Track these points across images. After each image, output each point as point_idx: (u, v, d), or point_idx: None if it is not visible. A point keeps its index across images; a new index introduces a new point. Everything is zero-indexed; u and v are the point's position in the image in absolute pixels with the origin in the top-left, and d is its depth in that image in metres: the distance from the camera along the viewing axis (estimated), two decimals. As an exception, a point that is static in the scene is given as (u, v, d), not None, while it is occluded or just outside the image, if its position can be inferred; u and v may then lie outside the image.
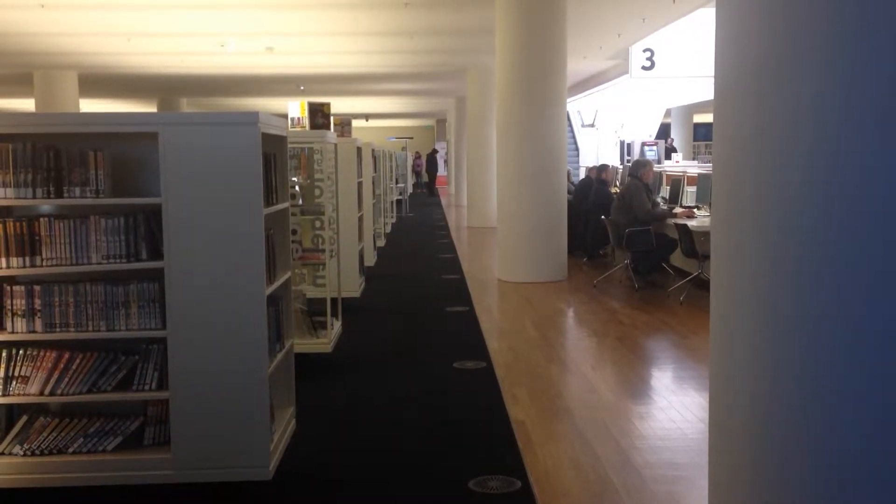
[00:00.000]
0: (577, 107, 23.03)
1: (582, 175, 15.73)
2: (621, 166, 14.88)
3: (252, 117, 3.60)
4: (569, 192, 10.93)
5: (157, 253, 3.63)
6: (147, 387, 3.67)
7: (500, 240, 10.14)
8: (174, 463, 3.64)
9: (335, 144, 6.44)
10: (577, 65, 16.01)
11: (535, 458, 4.18)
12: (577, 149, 24.04)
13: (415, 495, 3.76)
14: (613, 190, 11.73)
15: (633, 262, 9.16)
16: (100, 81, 18.42)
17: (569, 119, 20.21)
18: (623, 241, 8.85)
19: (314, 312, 5.88)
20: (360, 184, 8.23)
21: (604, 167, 12.13)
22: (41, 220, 3.57)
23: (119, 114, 3.55)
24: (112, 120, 3.62)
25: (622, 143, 20.76)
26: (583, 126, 24.01)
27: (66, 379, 3.63)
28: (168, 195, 3.55)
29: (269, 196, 3.88)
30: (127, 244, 3.61)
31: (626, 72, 14.27)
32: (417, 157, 36.51)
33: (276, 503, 3.67)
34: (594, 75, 19.31)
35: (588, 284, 9.47)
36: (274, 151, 4.08)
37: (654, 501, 3.72)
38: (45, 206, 3.69)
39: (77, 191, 3.57)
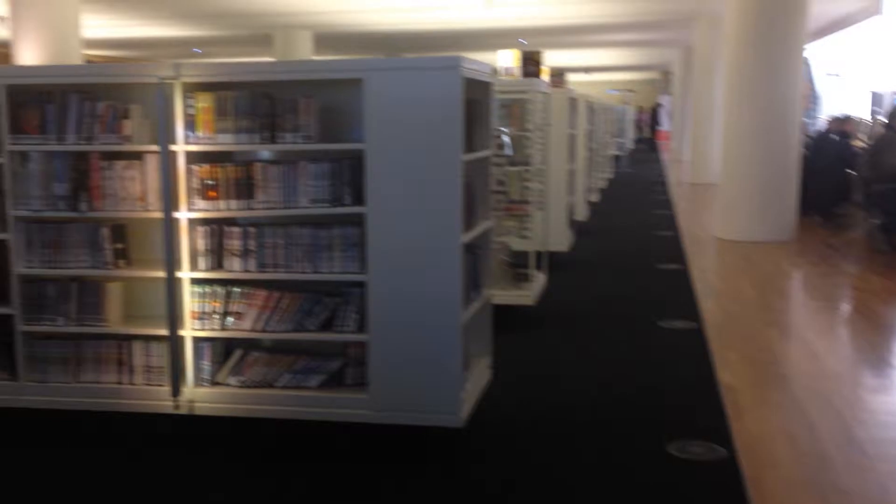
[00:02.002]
0: (818, 53, 21.21)
1: (820, 127, 14.50)
2: (872, 120, 13.53)
3: (454, 61, 3.55)
4: (804, 147, 10.10)
5: (359, 198, 3.71)
6: (348, 329, 3.78)
7: (722, 195, 9.58)
8: (370, 403, 3.73)
9: (546, 94, 6.30)
10: (819, 6, 14.70)
11: (744, 425, 3.91)
12: (817, 99, 22.19)
13: (608, 454, 3.63)
14: (857, 144, 10.70)
15: (884, 222, 8.29)
16: (332, 40, 19.29)
17: (808, 67, 18.67)
18: (871, 199, 8.03)
19: (518, 265, 5.83)
20: (572, 136, 8.03)
21: (846, 118, 11.10)
22: (256, 164, 3.74)
23: (327, 61, 3.63)
24: (320, 67, 3.71)
25: (873, 93, 18.89)
26: (826, 75, 22.10)
27: (276, 317, 3.81)
28: (370, 141, 3.60)
29: (470, 143, 3.83)
30: (332, 189, 3.71)
31: (878, 12, 12.89)
32: (640, 111, 35.37)
33: (464, 450, 3.68)
34: (838, 19, 17.66)
35: (820, 245, 8.74)
36: (478, 98, 4.02)
37: (879, 482, 3.36)
38: (261, 151, 3.87)
39: (289, 137, 3.70)
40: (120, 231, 3.90)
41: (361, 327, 3.77)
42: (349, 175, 3.71)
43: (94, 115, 3.77)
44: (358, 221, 3.70)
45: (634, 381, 4.62)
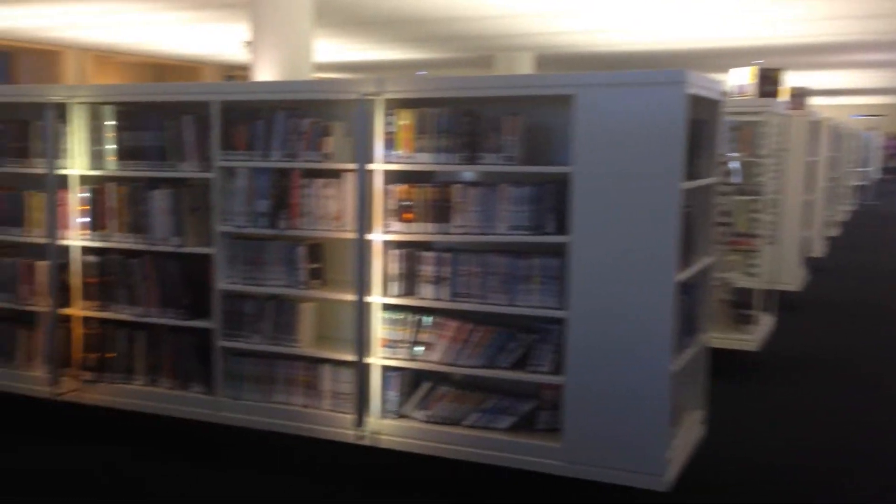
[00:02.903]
0: None
1: None
2: None
3: (678, 76, 3.15)
4: None
5: (562, 227, 3.37)
6: (542, 368, 3.45)
7: None
8: (564, 453, 3.38)
9: (784, 116, 5.66)
10: None
11: None
12: None
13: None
14: None
15: None
16: (554, 61, 19.09)
17: None
18: None
19: (741, 305, 5.23)
20: (812, 164, 7.25)
21: None
22: (454, 186, 3.52)
23: (535, 75, 3.36)
24: (528, 82, 3.43)
25: None
26: None
27: (467, 351, 3.55)
28: (578, 164, 3.26)
29: (692, 169, 3.39)
30: (533, 215, 3.40)
31: None
32: (889, 137, 32.33)
33: (671, 519, 3.23)
34: None
35: None
36: (705, 118, 3.58)
37: None
38: (460, 172, 3.64)
39: (490, 157, 3.44)
40: (316, 250, 3.81)
41: (558, 368, 3.42)
42: (553, 201, 3.39)
43: (298, 132, 3.70)
44: (560, 252, 3.37)
45: (872, 443, 3.93)
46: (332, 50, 16.49)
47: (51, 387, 4.19)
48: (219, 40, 14.77)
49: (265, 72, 10.60)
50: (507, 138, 3.40)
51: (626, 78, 3.25)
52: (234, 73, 18.40)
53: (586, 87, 3.24)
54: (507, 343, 3.52)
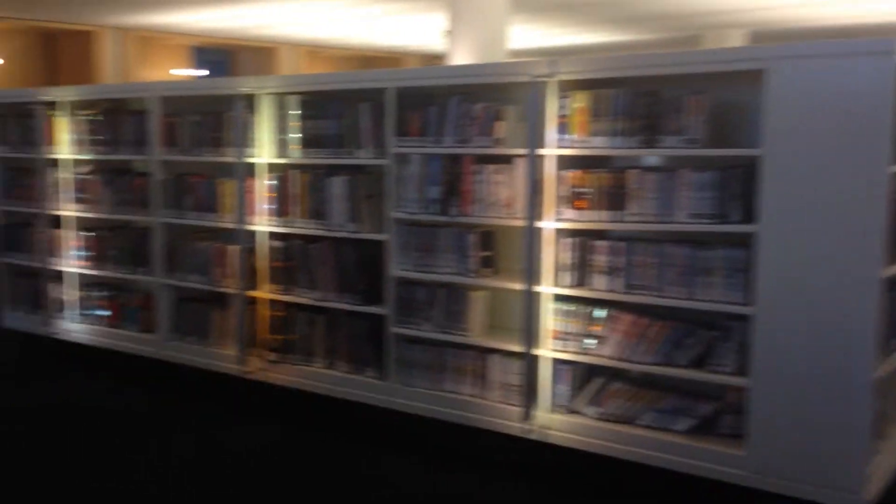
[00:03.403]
0: None
1: None
2: None
3: (887, 44, 2.77)
4: None
5: (749, 215, 3.08)
6: (724, 369, 3.18)
7: None
8: (747, 462, 3.09)
9: None
10: None
11: None
12: None
13: None
14: None
15: None
16: (769, 38, 17.93)
17: None
18: None
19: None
20: None
21: None
22: (630, 171, 3.30)
23: (721, 50, 3.07)
24: (713, 57, 3.15)
25: None
26: None
27: (642, 346, 3.34)
28: (769, 146, 2.96)
29: (904, 151, 2.98)
30: (716, 202, 3.13)
31: None
32: None
33: (871, 545, 2.87)
34: None
35: None
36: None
37: None
38: (637, 156, 3.42)
39: (670, 140, 3.20)
40: (487, 238, 3.72)
41: (742, 369, 3.14)
42: (739, 187, 3.10)
43: (470, 117, 3.63)
44: (746, 242, 3.07)
45: None
46: (530, 35, 16.38)
47: (239, 365, 4.39)
48: (420, 30, 15.08)
49: (461, 59, 10.66)
50: (690, 119, 3.14)
51: (824, 48, 2.90)
52: (435, 62, 18.75)
53: (779, 60, 2.92)
54: (685, 339, 3.27)
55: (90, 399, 4.66)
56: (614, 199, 3.33)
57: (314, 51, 17.79)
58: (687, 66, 3.19)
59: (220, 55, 17.36)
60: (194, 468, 3.68)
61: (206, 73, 16.51)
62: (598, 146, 3.34)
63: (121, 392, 4.77)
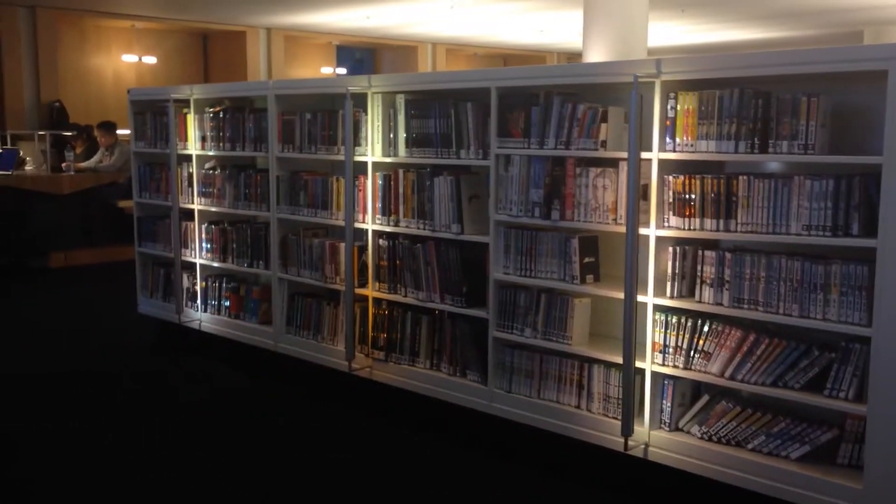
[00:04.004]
0: None
1: None
2: None
3: None
4: None
5: (870, 228, 2.82)
6: (842, 394, 2.92)
7: None
8: (865, 496, 2.83)
9: None
10: None
11: None
12: None
13: None
14: None
15: None
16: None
17: None
18: None
19: None
20: None
21: None
22: (740, 178, 3.09)
23: (840, 48, 2.80)
24: (830, 57, 2.88)
25: None
26: None
27: (749, 364, 3.12)
28: (892, 153, 2.69)
29: None
30: (835, 214, 2.88)
31: None
32: None
33: None
34: None
35: None
36: None
37: None
38: (747, 162, 3.20)
39: (784, 145, 2.97)
40: (590, 244, 3.59)
41: (861, 395, 2.88)
42: (860, 197, 2.84)
43: (573, 118, 3.50)
44: (868, 258, 2.82)
45: None
46: (671, 32, 15.83)
47: (348, 362, 4.44)
48: (562, 28, 14.86)
49: (596, 58, 10.42)
50: (806, 123, 2.91)
51: (961, 46, 2.61)
52: (574, 59, 18.46)
53: (908, 59, 2.65)
54: (800, 360, 3.03)
55: (203, 390, 4.86)
56: (723, 207, 3.13)
57: (453, 49, 17.88)
58: (802, 65, 2.94)
59: (362, 54, 17.74)
60: (285, 459, 3.76)
61: (344, 71, 16.91)
62: (706, 150, 3.15)
63: (236, 380, 4.94)
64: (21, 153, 9.92)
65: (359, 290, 4.40)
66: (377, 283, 4.35)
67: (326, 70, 16.59)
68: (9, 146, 10.48)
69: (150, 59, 14.23)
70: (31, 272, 8.56)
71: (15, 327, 6.40)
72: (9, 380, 5.03)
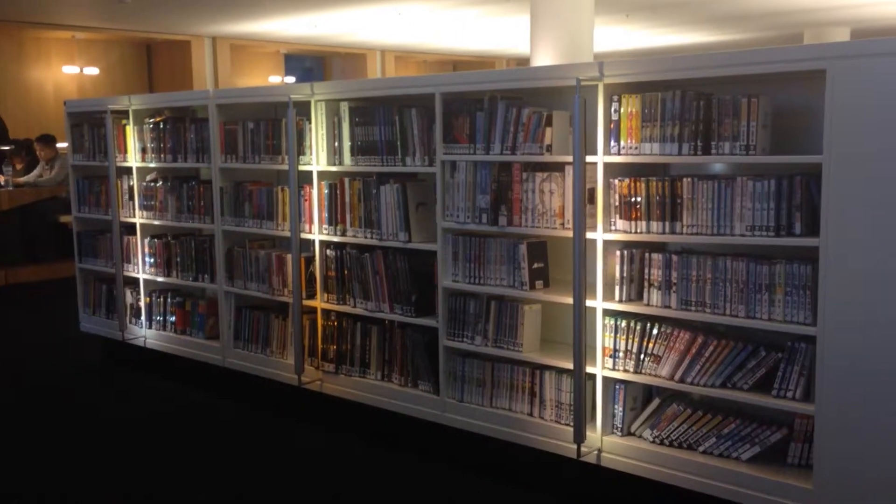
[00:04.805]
0: None
1: None
2: None
3: (967, 41, 2.49)
4: None
5: (813, 227, 2.83)
6: (790, 393, 2.93)
7: None
8: (816, 497, 2.84)
9: None
10: None
11: None
12: None
13: None
14: None
15: None
16: (873, 35, 17.02)
17: None
18: None
19: None
20: None
21: None
22: (685, 180, 3.09)
23: (778, 49, 2.81)
24: (769, 57, 2.89)
25: None
26: None
27: (699, 366, 3.12)
28: (832, 153, 2.71)
29: None
30: (777, 214, 2.89)
31: None
32: None
33: None
34: None
35: None
36: None
37: None
38: (691, 164, 3.21)
39: (726, 146, 2.98)
40: (539, 249, 3.56)
41: (808, 394, 2.89)
42: (801, 196, 2.86)
43: (518, 123, 3.48)
44: (810, 257, 2.83)
45: None
46: (617, 37, 15.98)
47: (297, 375, 4.35)
48: (510, 33, 14.91)
49: (543, 62, 10.45)
50: (747, 124, 2.92)
51: (891, 46, 2.63)
52: (523, 64, 18.55)
53: (842, 60, 2.67)
54: (747, 361, 3.03)
55: (152, 406, 4.73)
56: (667, 209, 3.12)
57: (403, 56, 17.84)
58: (742, 66, 2.95)
59: (311, 62, 17.61)
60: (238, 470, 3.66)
61: (293, 80, 16.76)
62: (650, 153, 3.14)
63: (183, 397, 4.82)
64: (-43, 169, 9.63)
65: (307, 302, 4.32)
66: (325, 295, 4.27)
67: (275, 79, 16.41)
68: (-55, 162, 10.16)
69: (93, 71, 13.93)
70: (-29, 291, 8.32)
71: (-48, 349, 6.19)
72: (-56, 404, 4.86)
